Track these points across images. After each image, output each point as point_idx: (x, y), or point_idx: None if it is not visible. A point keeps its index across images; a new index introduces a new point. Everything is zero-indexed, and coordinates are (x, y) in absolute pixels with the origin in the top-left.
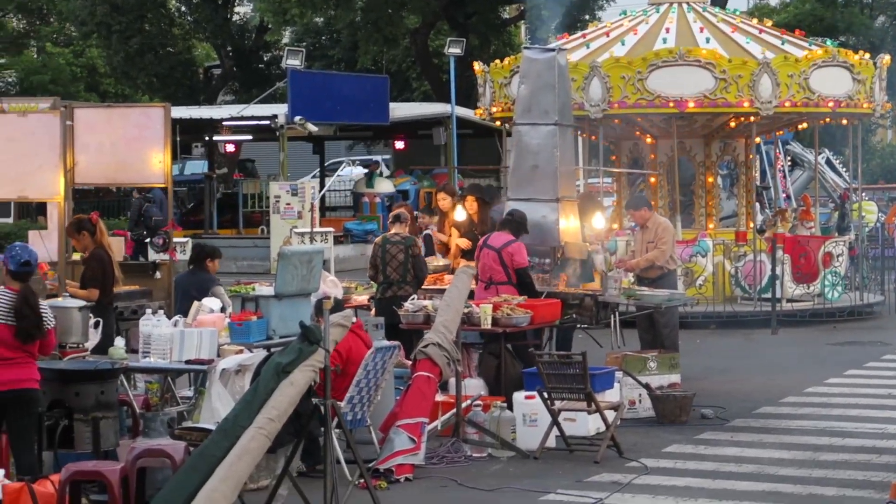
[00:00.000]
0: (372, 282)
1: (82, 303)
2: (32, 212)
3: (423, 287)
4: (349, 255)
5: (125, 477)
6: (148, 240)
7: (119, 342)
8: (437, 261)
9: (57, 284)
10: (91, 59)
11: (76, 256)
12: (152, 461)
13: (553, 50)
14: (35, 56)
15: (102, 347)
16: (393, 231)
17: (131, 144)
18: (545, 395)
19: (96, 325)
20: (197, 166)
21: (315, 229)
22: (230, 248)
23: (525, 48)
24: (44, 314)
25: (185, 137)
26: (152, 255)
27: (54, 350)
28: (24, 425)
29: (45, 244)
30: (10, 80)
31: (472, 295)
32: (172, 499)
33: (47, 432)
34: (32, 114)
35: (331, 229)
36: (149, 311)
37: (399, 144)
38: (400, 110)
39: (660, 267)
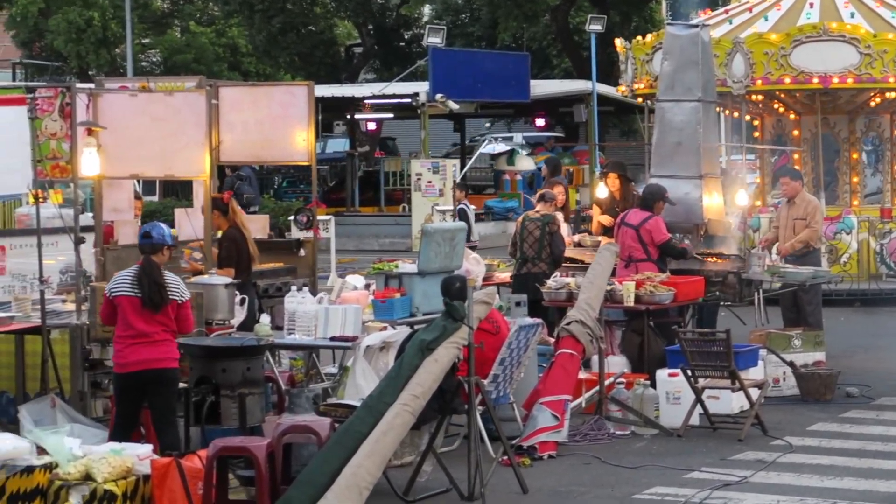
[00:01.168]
0: (513, 259)
1: (228, 280)
2: (177, 190)
3: (564, 264)
4: (490, 233)
5: (271, 453)
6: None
7: (264, 319)
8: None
9: (194, 263)
10: (233, 39)
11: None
12: (298, 437)
13: (696, 26)
14: (178, 35)
15: (247, 324)
16: (536, 209)
17: (276, 123)
18: (689, 372)
19: (242, 301)
20: (339, 144)
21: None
22: (372, 226)
23: (668, 24)
24: (169, 284)
25: (326, 116)
26: (295, 233)
27: (196, 328)
28: (163, 404)
29: (191, 222)
30: (154, 59)
31: (614, 272)
32: (318, 475)
33: (194, 408)
34: (179, 93)
35: (472, 206)
36: (293, 287)
37: (539, 122)
38: (540, 87)
39: (806, 244)
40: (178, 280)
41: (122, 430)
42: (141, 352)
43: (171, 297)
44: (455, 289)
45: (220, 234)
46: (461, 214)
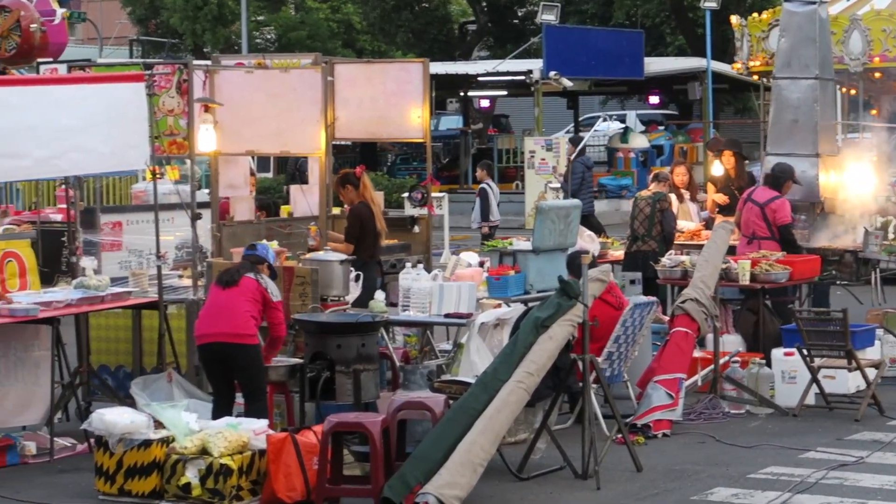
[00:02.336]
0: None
1: (343, 257)
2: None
3: (678, 242)
4: (604, 210)
5: (386, 429)
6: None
7: (379, 296)
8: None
9: (319, 239)
10: (348, 16)
11: (336, 210)
12: (412, 413)
13: (814, 3)
14: (293, 13)
15: (363, 301)
16: (649, 188)
17: (391, 100)
18: (804, 351)
19: (357, 278)
20: (452, 122)
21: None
22: None
23: (785, 1)
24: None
25: (440, 93)
26: (409, 210)
27: (312, 304)
28: (243, 380)
29: (306, 198)
30: (268, 36)
31: (731, 250)
32: (432, 451)
33: (309, 384)
34: (294, 70)
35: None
36: (408, 264)
37: (653, 99)
38: (654, 65)
39: None
40: (272, 283)
41: (219, 404)
42: (214, 325)
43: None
44: (577, 264)
45: (347, 209)
46: (482, 194)
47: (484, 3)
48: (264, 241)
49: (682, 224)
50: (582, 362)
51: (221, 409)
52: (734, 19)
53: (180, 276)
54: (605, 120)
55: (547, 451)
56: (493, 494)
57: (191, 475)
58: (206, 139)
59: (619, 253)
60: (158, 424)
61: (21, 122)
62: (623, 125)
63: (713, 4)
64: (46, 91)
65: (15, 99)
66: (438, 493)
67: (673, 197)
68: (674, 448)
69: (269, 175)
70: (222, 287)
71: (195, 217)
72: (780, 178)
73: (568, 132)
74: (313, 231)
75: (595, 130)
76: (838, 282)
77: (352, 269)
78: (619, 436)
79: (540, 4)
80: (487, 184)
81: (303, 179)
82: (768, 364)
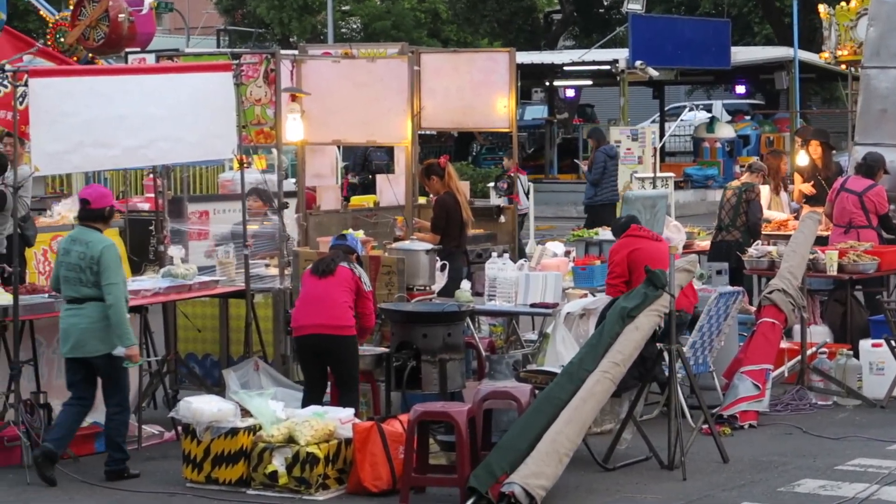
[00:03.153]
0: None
1: (429, 246)
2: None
3: (766, 233)
4: (689, 201)
5: (472, 418)
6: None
7: (465, 285)
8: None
9: (406, 229)
10: (434, 5)
11: (422, 200)
12: (498, 403)
13: None
14: (379, 2)
15: (449, 290)
16: (741, 178)
17: (477, 89)
18: (892, 343)
19: (443, 268)
20: (537, 111)
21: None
22: (570, 193)
23: None
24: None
25: (525, 83)
26: (495, 199)
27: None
28: (338, 370)
29: (392, 188)
30: (354, 26)
31: (820, 241)
32: (518, 441)
33: (396, 373)
34: (381, 59)
35: (671, 174)
36: (494, 254)
37: (740, 89)
38: (741, 54)
39: None
40: (364, 272)
41: (309, 394)
42: (314, 316)
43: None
44: (619, 226)
45: (433, 199)
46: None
47: None
48: (351, 231)
49: (768, 214)
50: (668, 352)
51: (312, 398)
52: (822, 8)
53: (267, 266)
54: (691, 110)
55: (633, 442)
56: (579, 484)
57: (277, 463)
58: (293, 129)
59: (705, 243)
60: (246, 413)
61: (110, 111)
62: (709, 115)
63: None
64: (135, 80)
65: (104, 88)
66: (524, 482)
67: (767, 189)
68: (760, 439)
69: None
70: (318, 276)
71: (282, 206)
72: (872, 167)
73: (654, 122)
74: (400, 221)
75: (681, 120)
76: None
77: (438, 258)
78: (706, 426)
79: None
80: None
81: (370, 169)
82: (856, 355)
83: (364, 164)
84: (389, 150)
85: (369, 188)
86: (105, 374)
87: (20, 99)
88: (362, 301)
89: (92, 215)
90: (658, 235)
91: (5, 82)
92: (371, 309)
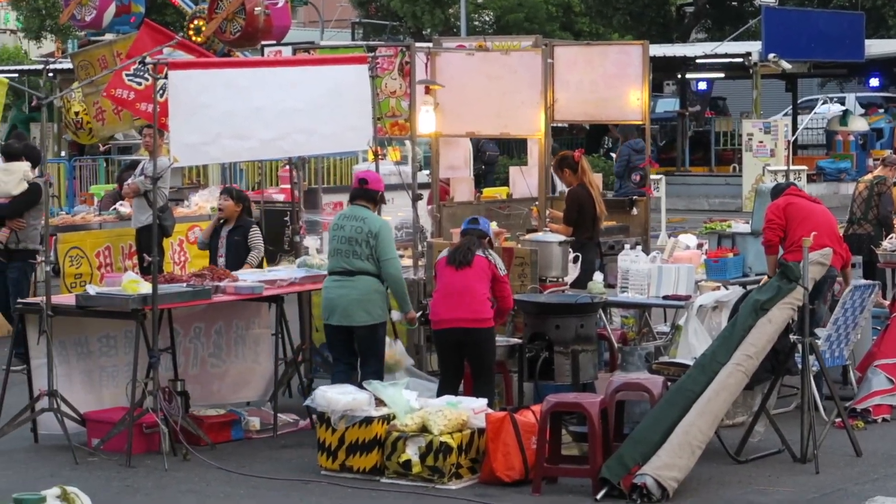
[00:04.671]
0: None
1: (561, 238)
2: (513, 148)
3: None
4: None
5: (604, 409)
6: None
7: (598, 277)
8: None
9: (540, 220)
10: None
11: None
12: (631, 394)
13: None
14: None
15: (581, 282)
16: (875, 171)
17: (610, 82)
18: None
19: (575, 259)
20: (668, 104)
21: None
22: (702, 186)
23: None
24: (489, 258)
25: (657, 75)
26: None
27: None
28: (475, 362)
29: (525, 180)
30: (486, 18)
31: None
32: (651, 432)
33: (528, 364)
34: (515, 52)
35: (804, 167)
36: (627, 246)
37: (874, 82)
38: (875, 47)
39: None
40: (498, 257)
41: (445, 384)
42: (453, 310)
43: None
44: (779, 190)
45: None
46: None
47: None
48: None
49: None
50: (802, 345)
51: (447, 387)
52: None
53: (401, 257)
54: (825, 102)
55: (765, 435)
56: (711, 476)
57: (411, 452)
58: (428, 120)
59: None
60: (380, 402)
61: (247, 103)
62: (842, 108)
63: None
64: (272, 73)
65: (242, 81)
66: (656, 474)
67: None
68: (894, 433)
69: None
70: (456, 268)
71: (416, 198)
72: None
73: (786, 114)
74: (535, 212)
75: (815, 113)
76: None
77: (570, 250)
78: (839, 419)
79: None
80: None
81: (483, 160)
82: None
83: (477, 156)
84: (501, 143)
85: (481, 180)
86: (365, 344)
87: (160, 91)
88: (499, 286)
89: (366, 195)
90: (817, 199)
91: (146, 75)
92: (508, 291)
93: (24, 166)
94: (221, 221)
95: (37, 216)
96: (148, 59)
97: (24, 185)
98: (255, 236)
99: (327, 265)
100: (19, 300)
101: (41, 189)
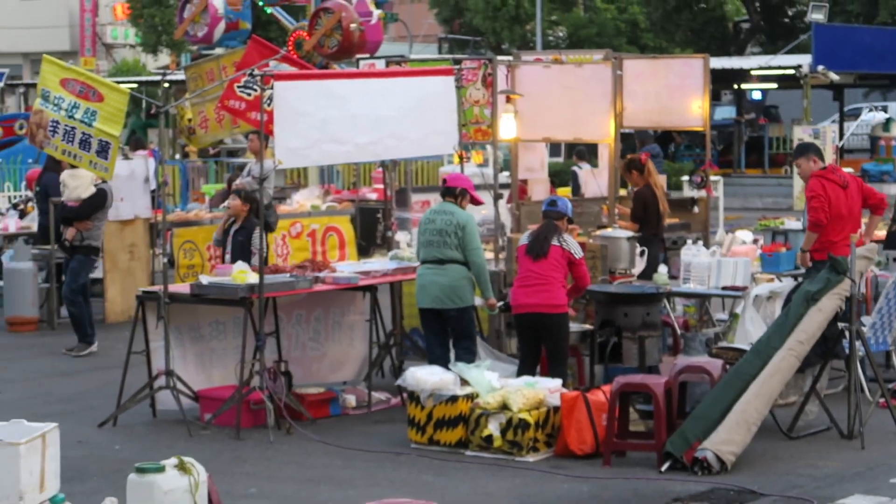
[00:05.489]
0: None
1: (630, 233)
2: (584, 153)
3: None
4: None
5: (668, 390)
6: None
7: (662, 269)
8: None
9: (608, 217)
10: (633, 15)
11: (622, 192)
12: (692, 376)
13: None
14: (583, 13)
15: (647, 274)
16: None
17: (673, 92)
18: None
19: (642, 253)
20: (725, 112)
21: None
22: (756, 186)
23: None
24: (563, 242)
25: (715, 85)
26: (688, 192)
27: (601, 277)
28: (550, 345)
29: (596, 181)
30: (559, 34)
31: None
32: (710, 411)
33: (599, 348)
34: (587, 64)
35: (850, 169)
36: (689, 241)
37: None
38: None
39: None
40: (572, 240)
41: (523, 365)
42: (531, 297)
43: (565, 250)
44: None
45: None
46: (573, 177)
47: (757, 3)
48: (562, 197)
49: None
50: (849, 331)
51: (526, 369)
52: None
53: (484, 249)
54: (870, 110)
55: (816, 414)
56: (765, 451)
57: (493, 428)
58: (508, 127)
59: (881, 232)
60: (464, 382)
61: (344, 111)
62: (885, 115)
63: None
64: (367, 84)
65: (339, 90)
66: (716, 448)
67: None
68: None
69: (560, 160)
70: (533, 258)
71: (497, 197)
72: None
73: (833, 121)
74: (605, 210)
75: (860, 120)
76: None
77: (637, 245)
78: (882, 400)
79: (809, 4)
80: (580, 166)
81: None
82: None
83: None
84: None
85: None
86: (456, 325)
87: (267, 101)
88: (576, 268)
89: (449, 192)
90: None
91: (255, 86)
92: (584, 272)
93: (89, 173)
94: (231, 220)
95: (102, 217)
96: (256, 72)
97: (93, 189)
98: (256, 239)
99: (420, 255)
100: (71, 286)
101: (108, 193)
